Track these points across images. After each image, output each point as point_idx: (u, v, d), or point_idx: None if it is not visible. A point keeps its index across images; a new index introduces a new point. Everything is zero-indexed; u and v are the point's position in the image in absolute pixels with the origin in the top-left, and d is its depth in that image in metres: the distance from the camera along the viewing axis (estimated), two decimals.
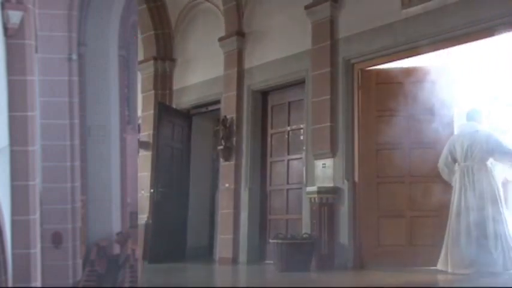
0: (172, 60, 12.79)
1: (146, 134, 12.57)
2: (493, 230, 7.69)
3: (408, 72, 8.98)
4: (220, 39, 11.35)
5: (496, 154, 8.01)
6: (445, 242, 7.99)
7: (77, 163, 9.51)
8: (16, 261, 3.85)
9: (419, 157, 8.75)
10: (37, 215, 4.01)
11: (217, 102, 11.62)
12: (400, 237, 8.77)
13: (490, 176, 8.01)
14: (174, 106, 12.52)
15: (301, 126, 10.11)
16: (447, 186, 8.33)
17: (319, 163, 9.43)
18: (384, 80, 9.14)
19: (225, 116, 11.06)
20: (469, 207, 7.88)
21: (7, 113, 3.85)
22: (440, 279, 7.63)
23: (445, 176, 8.33)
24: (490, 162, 8.06)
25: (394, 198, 8.83)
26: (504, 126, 8.65)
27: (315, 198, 9.11)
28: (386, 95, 8.98)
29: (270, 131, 10.84)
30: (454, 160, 8.22)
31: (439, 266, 8.00)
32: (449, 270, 7.83)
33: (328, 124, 9.26)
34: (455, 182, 8.14)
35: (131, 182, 12.09)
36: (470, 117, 8.36)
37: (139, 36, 13.11)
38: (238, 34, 11.06)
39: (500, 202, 7.84)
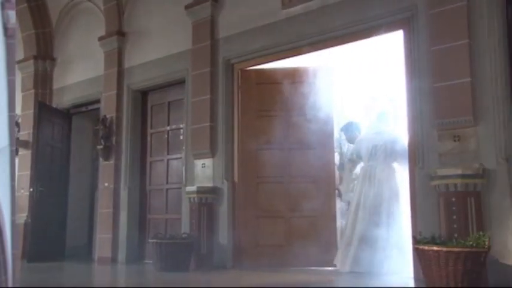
0: (53, 60, 11.55)
1: (26, 133, 11.31)
2: (386, 231, 7.16)
3: (287, 73, 8.32)
4: (100, 39, 10.25)
5: (398, 159, 7.54)
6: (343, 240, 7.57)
7: None
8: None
9: (299, 158, 8.14)
10: None
11: (97, 101, 10.51)
12: (279, 237, 8.09)
13: (392, 178, 7.54)
14: (54, 105, 11.31)
15: (181, 126, 9.21)
16: (326, 187, 8.00)
17: (198, 163, 8.58)
18: (264, 80, 8.43)
19: (105, 116, 10.00)
20: (366, 207, 7.40)
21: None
22: (313, 279, 7.04)
23: (344, 175, 8.04)
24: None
25: (274, 199, 8.16)
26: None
27: (194, 198, 8.28)
28: (267, 96, 8.35)
29: (149, 131, 9.87)
30: (360, 159, 7.86)
31: (336, 263, 7.55)
32: (338, 267, 7.41)
33: (208, 124, 8.42)
34: (358, 181, 7.71)
35: None
36: (378, 119, 7.97)
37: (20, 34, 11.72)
38: (119, 33, 10.00)
39: (398, 205, 7.31)
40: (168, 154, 9.48)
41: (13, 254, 3.75)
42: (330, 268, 7.53)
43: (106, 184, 9.87)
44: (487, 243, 5.11)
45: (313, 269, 7.59)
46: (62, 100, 11.22)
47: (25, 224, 10.62)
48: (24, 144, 11.23)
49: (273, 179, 8.20)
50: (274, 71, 8.36)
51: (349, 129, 8.49)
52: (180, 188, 8.94)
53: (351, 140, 8.48)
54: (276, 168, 8.20)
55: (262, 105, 8.36)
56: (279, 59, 8.12)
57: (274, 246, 8.00)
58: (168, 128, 9.51)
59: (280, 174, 8.19)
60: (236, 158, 8.29)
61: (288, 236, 8.02)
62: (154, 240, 8.00)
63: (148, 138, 9.84)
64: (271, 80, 8.34)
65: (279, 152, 8.24)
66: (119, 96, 9.93)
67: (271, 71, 8.39)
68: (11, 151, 3.33)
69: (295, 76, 8.26)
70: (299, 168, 8.11)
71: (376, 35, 7.03)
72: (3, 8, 3.30)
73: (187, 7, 8.79)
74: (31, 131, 11.11)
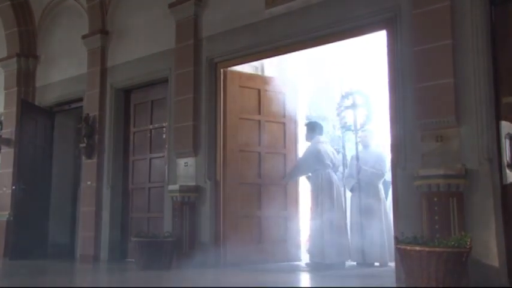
0: (36, 58, 11.34)
1: (8, 131, 11.11)
2: None
3: (265, 80, 8.64)
4: (84, 37, 10.08)
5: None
6: None
7: None
8: None
9: (271, 161, 8.50)
10: None
11: (80, 99, 10.30)
12: (260, 236, 8.22)
13: None
14: (37, 103, 11.13)
15: (164, 124, 9.07)
16: (293, 189, 8.51)
17: (181, 162, 8.44)
18: (245, 83, 8.49)
19: (88, 114, 9.82)
20: None
21: None
22: (296, 278, 7.12)
23: None
24: None
25: (252, 199, 8.27)
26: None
27: (176, 197, 8.16)
28: (247, 99, 8.47)
29: (132, 129, 9.71)
30: None
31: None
32: None
33: (191, 123, 8.29)
34: None
35: None
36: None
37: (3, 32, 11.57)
38: (102, 32, 9.83)
39: None
40: (150, 153, 9.34)
41: None
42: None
43: (88, 182, 9.71)
44: (468, 243, 5.03)
45: (295, 265, 7.84)
46: (45, 98, 11.04)
47: (7, 222, 10.46)
48: (7, 142, 11.06)
49: (252, 179, 8.29)
50: (254, 76, 8.57)
51: (310, 127, 8.45)
52: (162, 186, 8.80)
53: (307, 138, 8.44)
54: (252, 170, 8.32)
55: (243, 108, 8.41)
56: (262, 59, 8.18)
57: (256, 244, 8.03)
58: (151, 126, 9.37)
59: (256, 176, 8.33)
60: (219, 157, 8.17)
61: (267, 235, 8.16)
62: (137, 239, 7.90)
63: (131, 137, 9.69)
64: (251, 84, 8.49)
65: (255, 155, 8.42)
66: (102, 94, 9.76)
67: (252, 76, 8.56)
68: None
69: (270, 84, 8.59)
70: (271, 170, 8.35)
71: (359, 35, 6.96)
72: None
73: (171, 6, 8.65)
74: (14, 129, 10.91)
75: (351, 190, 8.39)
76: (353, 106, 8.28)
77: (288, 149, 8.62)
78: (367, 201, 8.12)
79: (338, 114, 8.49)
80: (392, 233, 8.02)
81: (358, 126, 8.30)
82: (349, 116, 8.38)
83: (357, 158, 8.32)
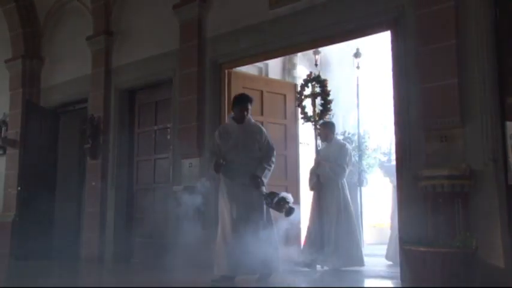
0: (41, 59, 11.33)
1: (14, 132, 11.12)
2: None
3: (267, 82, 8.73)
4: (88, 38, 10.06)
5: None
6: None
7: None
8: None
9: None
10: None
11: (85, 100, 10.28)
12: None
13: None
14: (42, 104, 11.12)
15: (168, 125, 9.04)
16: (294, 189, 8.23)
17: (185, 162, 8.38)
18: (248, 85, 8.41)
19: (92, 115, 9.81)
20: None
21: None
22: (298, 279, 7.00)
23: None
24: None
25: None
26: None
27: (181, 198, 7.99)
28: None
29: (137, 130, 9.70)
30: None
31: None
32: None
33: (195, 123, 8.25)
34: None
35: None
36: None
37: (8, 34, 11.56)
38: (106, 33, 9.81)
39: None
40: (155, 153, 9.31)
41: None
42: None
43: (93, 183, 9.70)
44: (474, 244, 5.01)
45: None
46: (50, 99, 11.04)
47: (13, 223, 10.45)
48: (12, 143, 11.08)
49: None
50: (257, 78, 8.63)
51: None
52: (167, 187, 8.74)
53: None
54: None
55: None
56: (267, 59, 8.25)
57: None
58: (155, 127, 9.35)
59: None
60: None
61: None
62: (141, 240, 7.93)
63: (136, 138, 9.67)
64: (253, 85, 8.44)
65: None
66: (107, 95, 9.75)
67: (254, 77, 8.59)
68: None
69: (271, 86, 8.64)
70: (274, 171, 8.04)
71: (363, 36, 6.99)
72: None
73: (175, 7, 8.62)
74: (19, 130, 10.91)
75: (311, 188, 7.97)
76: (312, 95, 7.77)
77: (289, 151, 8.57)
78: (326, 199, 7.68)
79: (298, 105, 8.03)
80: (355, 235, 7.77)
81: (317, 117, 7.75)
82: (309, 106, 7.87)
83: (317, 151, 7.87)
